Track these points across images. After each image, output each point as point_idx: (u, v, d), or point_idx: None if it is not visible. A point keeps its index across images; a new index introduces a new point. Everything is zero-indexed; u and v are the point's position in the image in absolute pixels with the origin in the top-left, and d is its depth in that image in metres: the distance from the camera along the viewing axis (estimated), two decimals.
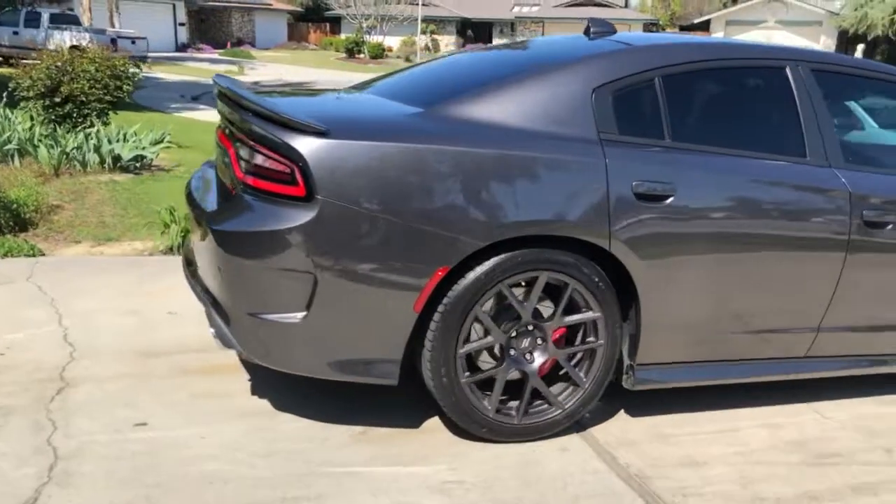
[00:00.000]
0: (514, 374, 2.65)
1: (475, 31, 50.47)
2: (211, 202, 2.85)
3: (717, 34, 43.22)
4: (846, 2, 36.53)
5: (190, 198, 3.03)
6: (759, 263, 2.77)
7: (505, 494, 2.39)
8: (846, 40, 38.11)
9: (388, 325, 2.45)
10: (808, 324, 2.93)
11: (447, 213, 2.40)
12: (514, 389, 2.67)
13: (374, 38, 40.53)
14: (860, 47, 36.05)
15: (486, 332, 2.57)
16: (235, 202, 2.56)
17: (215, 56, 31.45)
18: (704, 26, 44.40)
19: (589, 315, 2.64)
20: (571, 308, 2.64)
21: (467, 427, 2.63)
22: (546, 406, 2.70)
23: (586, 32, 3.16)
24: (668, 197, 2.58)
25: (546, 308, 2.65)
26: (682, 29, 47.10)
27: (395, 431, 2.72)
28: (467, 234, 2.40)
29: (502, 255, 2.45)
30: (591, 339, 2.68)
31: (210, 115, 11.66)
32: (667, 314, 2.68)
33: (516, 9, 50.73)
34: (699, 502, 2.43)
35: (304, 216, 2.36)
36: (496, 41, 49.93)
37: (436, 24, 48.25)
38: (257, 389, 2.96)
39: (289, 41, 43.26)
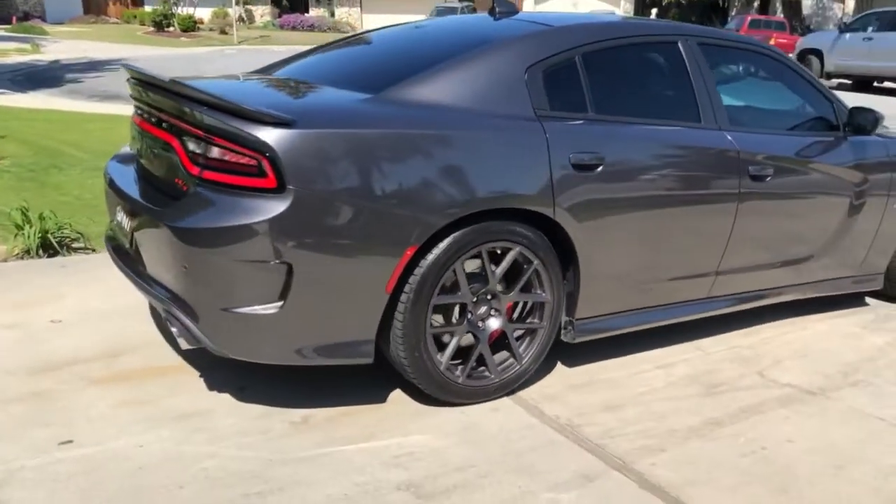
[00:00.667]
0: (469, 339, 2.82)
1: (290, 1, 49.01)
2: (149, 196, 2.73)
3: (527, 9, 44.97)
4: None
5: (118, 191, 2.88)
6: (673, 218, 3.11)
7: (456, 458, 2.52)
8: (643, 5, 41.10)
9: (362, 306, 2.53)
10: (709, 269, 3.33)
11: (412, 195, 2.50)
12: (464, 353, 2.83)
13: (184, 10, 38.25)
14: (654, 11, 39.06)
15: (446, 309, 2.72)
16: (193, 198, 2.49)
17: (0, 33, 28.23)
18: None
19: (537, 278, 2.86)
20: (521, 275, 2.83)
21: (435, 393, 2.77)
22: (511, 360, 2.90)
23: (491, 13, 3.29)
24: (598, 166, 2.83)
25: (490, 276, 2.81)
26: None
27: (332, 414, 2.75)
28: (432, 213, 2.51)
29: (462, 230, 2.59)
30: (540, 295, 2.89)
31: (14, 100, 10.58)
32: (600, 271, 2.96)
33: None
34: (625, 441, 2.68)
35: (276, 207, 2.36)
36: (313, 12, 48.82)
37: None
38: (177, 390, 2.86)
39: (85, 14, 39.62)
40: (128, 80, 3.07)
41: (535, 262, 2.79)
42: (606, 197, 2.88)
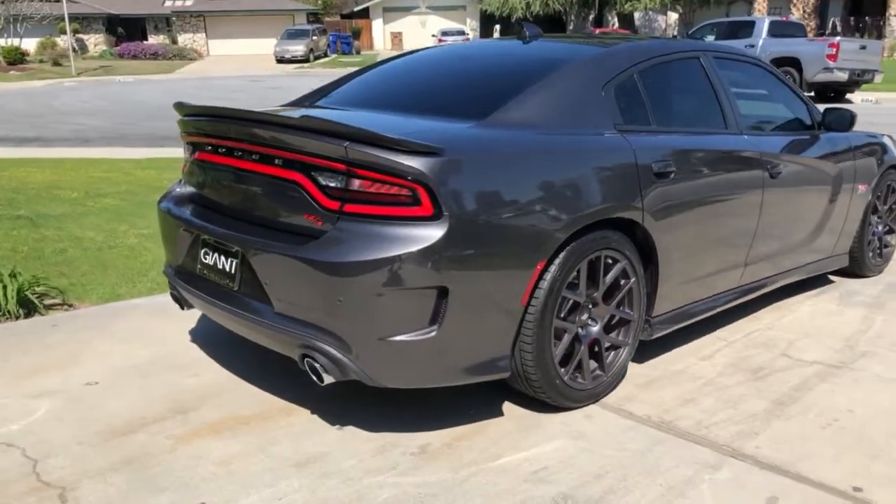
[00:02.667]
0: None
1: (126, 29, 46.64)
2: (261, 233, 2.70)
3: (377, 21, 45.51)
4: None
5: (202, 229, 2.93)
6: (721, 216, 3.43)
7: (589, 466, 2.60)
8: (487, 21, 42.75)
9: (502, 322, 2.63)
10: (741, 260, 3.67)
11: (540, 211, 2.65)
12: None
13: (9, 42, 35.40)
14: (497, 27, 40.80)
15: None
16: (339, 232, 2.48)
17: None
18: (364, 14, 46.32)
19: (629, 282, 3.06)
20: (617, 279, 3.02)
21: (555, 399, 2.90)
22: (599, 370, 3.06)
23: (520, 37, 3.42)
24: (671, 173, 3.07)
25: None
26: (344, 17, 48.58)
27: (445, 440, 2.74)
28: (558, 227, 2.67)
29: (577, 241, 2.75)
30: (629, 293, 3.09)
31: None
32: (673, 270, 3.21)
33: (168, 3, 47.92)
34: (720, 430, 2.88)
35: (434, 234, 2.42)
36: (152, 39, 46.68)
37: (79, 21, 43.62)
38: (276, 437, 2.74)
39: None
40: (188, 116, 3.01)
41: (624, 262, 3.00)
42: (678, 201, 3.14)
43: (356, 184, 2.47)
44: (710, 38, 18.58)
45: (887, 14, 24.97)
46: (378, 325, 2.49)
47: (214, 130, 2.95)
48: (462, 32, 37.64)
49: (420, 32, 42.92)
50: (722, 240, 3.49)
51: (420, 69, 3.62)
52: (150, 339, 3.65)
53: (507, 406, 3.01)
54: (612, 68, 3.09)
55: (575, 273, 2.81)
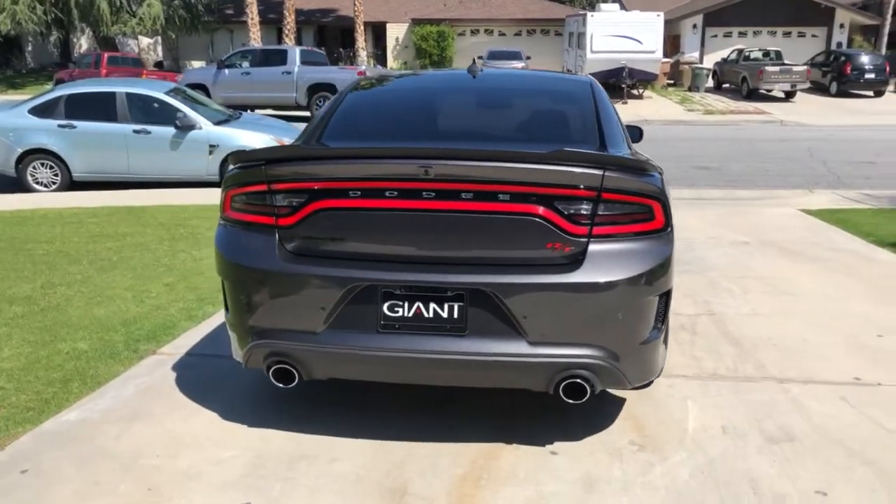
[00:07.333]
0: None
1: None
2: (498, 271, 2.77)
3: None
4: None
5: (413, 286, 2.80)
6: None
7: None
8: None
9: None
10: None
11: None
12: None
13: None
14: None
15: None
16: (598, 255, 2.74)
17: None
18: None
19: None
20: None
21: None
22: None
23: (470, 71, 4.03)
24: None
25: None
26: None
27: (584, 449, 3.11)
28: None
29: None
30: None
31: None
32: None
33: None
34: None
35: (668, 243, 2.87)
36: None
37: None
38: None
39: None
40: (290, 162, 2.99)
41: None
42: None
43: (602, 207, 2.75)
44: (245, 65, 19.27)
45: (356, 46, 29.24)
46: (640, 331, 2.85)
47: (384, 173, 2.78)
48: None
49: None
50: None
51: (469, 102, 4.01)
52: None
53: None
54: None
55: None
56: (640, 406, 3.43)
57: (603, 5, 27.15)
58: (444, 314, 2.77)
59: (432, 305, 2.77)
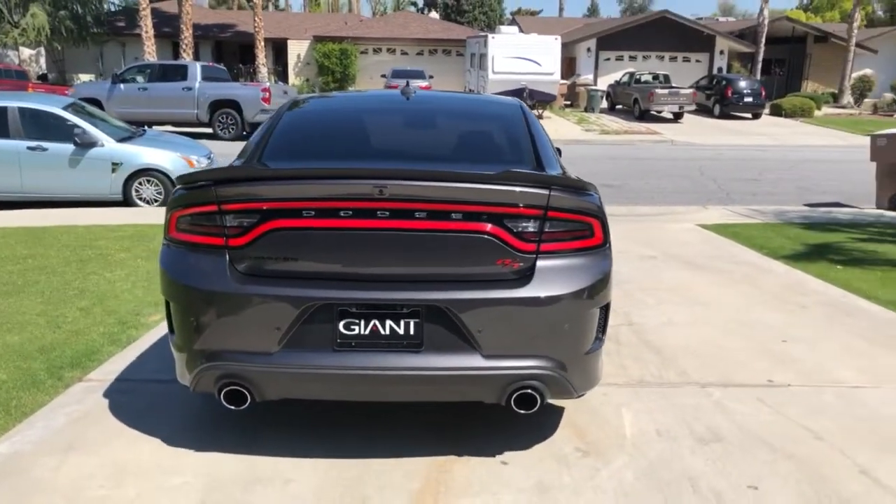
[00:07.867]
0: None
1: None
2: (447, 286, 2.86)
3: None
4: None
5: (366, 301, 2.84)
6: None
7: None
8: None
9: None
10: None
11: None
12: None
13: None
14: None
15: None
16: (546, 270, 2.88)
17: None
18: None
19: None
20: None
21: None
22: None
23: (404, 93, 4.13)
24: None
25: None
26: None
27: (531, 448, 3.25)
28: None
29: None
30: None
31: None
32: None
33: None
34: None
35: (608, 257, 3.05)
36: None
37: None
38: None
39: None
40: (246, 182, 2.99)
41: None
42: None
43: (548, 225, 2.89)
44: (142, 80, 18.60)
45: (257, 62, 28.81)
46: (585, 342, 3.02)
47: (339, 193, 2.82)
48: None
49: None
50: None
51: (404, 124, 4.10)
52: None
53: None
54: None
55: None
56: (579, 414, 3.59)
57: (503, 28, 27.99)
58: (401, 331, 2.83)
59: (388, 322, 2.82)
